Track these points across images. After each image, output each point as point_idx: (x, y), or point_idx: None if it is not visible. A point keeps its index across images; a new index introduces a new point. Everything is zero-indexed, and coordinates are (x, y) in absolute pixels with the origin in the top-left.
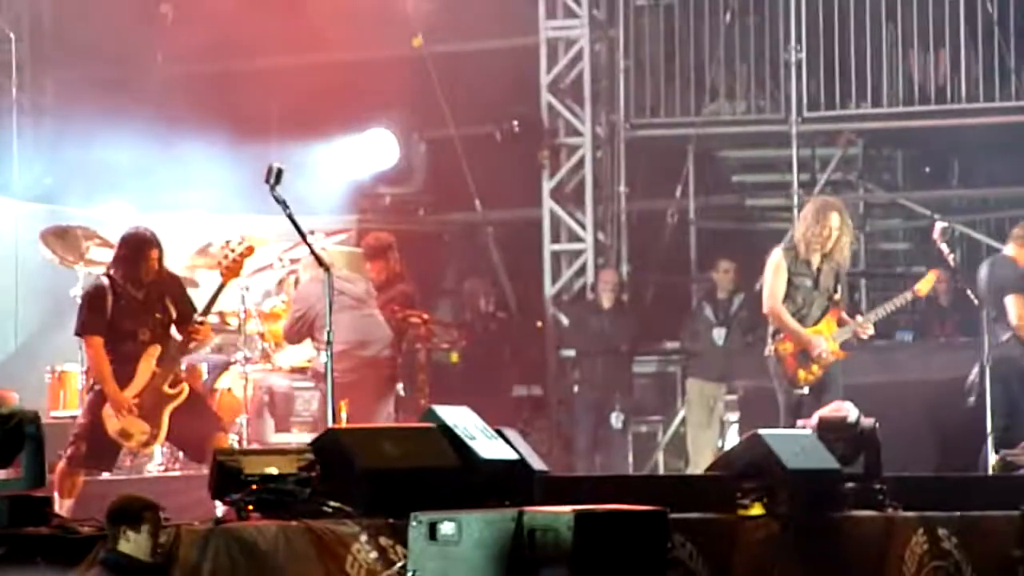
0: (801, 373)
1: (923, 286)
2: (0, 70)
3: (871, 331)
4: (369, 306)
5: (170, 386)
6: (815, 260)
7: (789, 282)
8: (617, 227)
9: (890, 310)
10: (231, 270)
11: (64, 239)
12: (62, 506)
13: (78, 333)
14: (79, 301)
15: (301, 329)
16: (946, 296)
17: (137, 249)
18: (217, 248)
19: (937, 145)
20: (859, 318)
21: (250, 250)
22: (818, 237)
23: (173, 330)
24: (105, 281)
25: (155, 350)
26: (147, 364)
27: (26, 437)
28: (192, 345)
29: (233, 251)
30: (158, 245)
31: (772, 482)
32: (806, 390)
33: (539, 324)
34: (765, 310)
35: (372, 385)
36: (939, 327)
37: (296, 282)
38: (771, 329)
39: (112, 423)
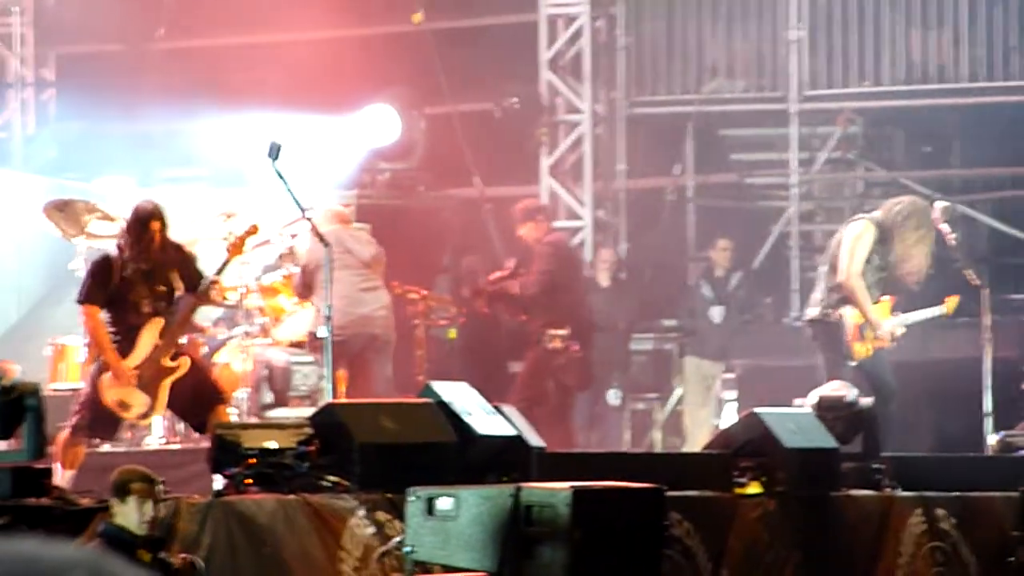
0: (857, 346)
1: (950, 305)
2: (3, 43)
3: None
4: (374, 272)
5: (171, 359)
6: (892, 247)
7: (867, 257)
8: (616, 205)
9: (918, 319)
10: (236, 247)
11: (65, 212)
12: (64, 477)
13: (79, 301)
14: (83, 271)
15: (308, 281)
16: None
17: (140, 222)
18: (218, 224)
19: (937, 124)
20: (892, 321)
21: (254, 228)
22: (901, 235)
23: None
24: (113, 252)
25: (158, 322)
26: (149, 336)
27: (27, 409)
28: (205, 305)
29: (237, 229)
30: (161, 218)
31: (769, 460)
32: (852, 364)
33: None
34: (840, 278)
35: (367, 344)
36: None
37: (291, 252)
38: (828, 296)
39: (110, 393)
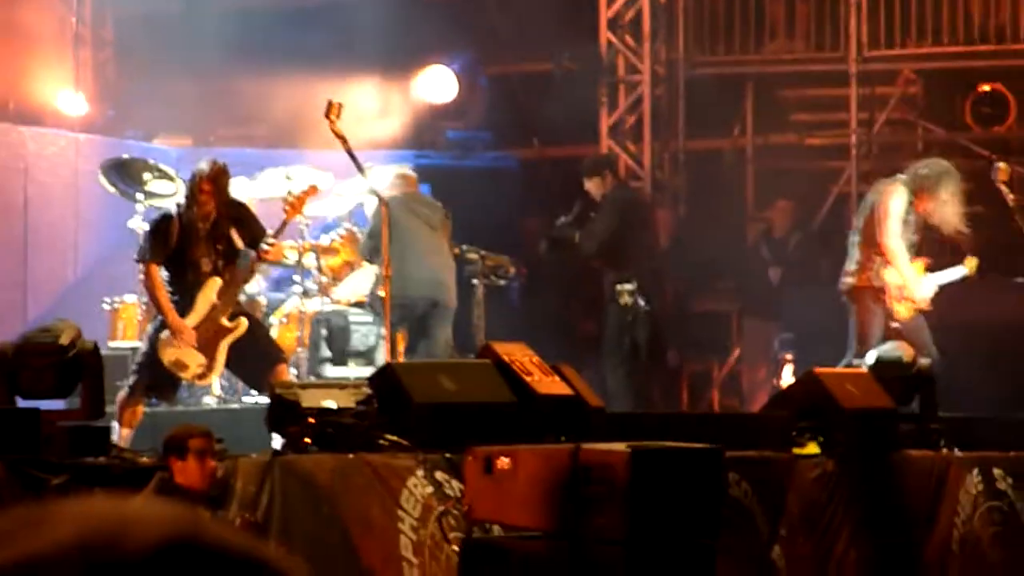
0: (899, 307)
1: (971, 265)
2: (62, 2)
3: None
4: (440, 235)
5: (229, 319)
6: (923, 207)
7: (903, 218)
8: (675, 166)
9: (945, 280)
10: (294, 208)
11: (123, 171)
12: (122, 436)
13: (139, 259)
14: (142, 230)
15: (376, 244)
16: None
17: (193, 182)
18: (278, 183)
19: (996, 85)
20: (926, 281)
21: (313, 189)
22: (932, 196)
23: (242, 255)
24: (173, 211)
25: (216, 282)
26: (207, 295)
27: (85, 368)
28: (262, 266)
29: (296, 190)
30: (214, 179)
31: (827, 421)
32: (895, 325)
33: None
34: (882, 241)
35: (429, 308)
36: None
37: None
38: (864, 260)
39: (168, 353)
